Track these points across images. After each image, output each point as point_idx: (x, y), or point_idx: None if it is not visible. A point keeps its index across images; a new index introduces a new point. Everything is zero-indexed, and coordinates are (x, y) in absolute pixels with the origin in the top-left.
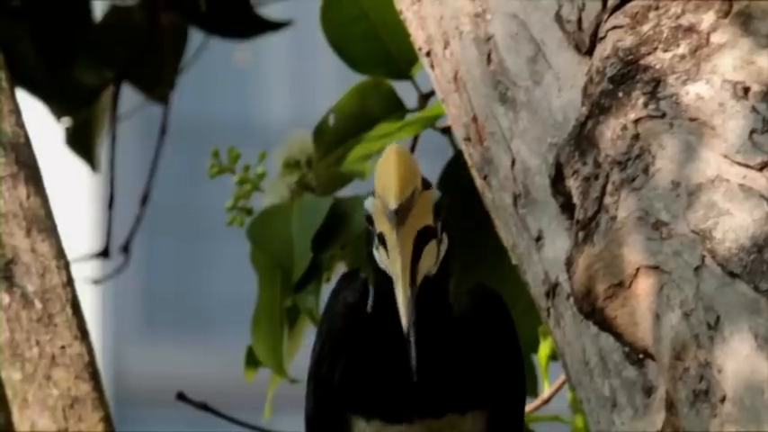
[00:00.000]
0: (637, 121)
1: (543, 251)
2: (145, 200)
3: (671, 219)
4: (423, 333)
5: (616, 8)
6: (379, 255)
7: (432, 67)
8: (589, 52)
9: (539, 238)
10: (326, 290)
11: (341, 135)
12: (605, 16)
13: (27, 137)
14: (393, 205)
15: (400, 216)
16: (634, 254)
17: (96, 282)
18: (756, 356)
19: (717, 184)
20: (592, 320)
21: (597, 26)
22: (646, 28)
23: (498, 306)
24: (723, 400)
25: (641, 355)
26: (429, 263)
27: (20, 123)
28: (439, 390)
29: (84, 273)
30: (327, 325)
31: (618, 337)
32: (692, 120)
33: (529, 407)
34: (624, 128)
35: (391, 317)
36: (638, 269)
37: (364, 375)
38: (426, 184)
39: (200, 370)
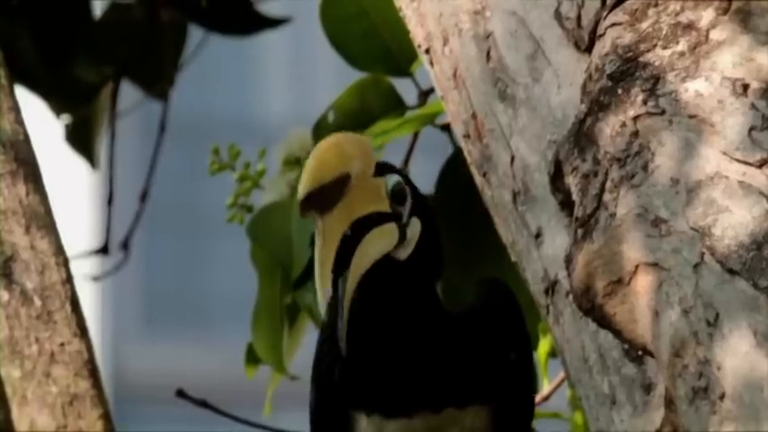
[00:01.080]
0: (636, 119)
1: (542, 248)
2: (144, 197)
3: (670, 216)
4: (390, 320)
5: (615, 5)
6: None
7: (431, 64)
8: (588, 49)
9: (538, 235)
10: None
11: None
12: (604, 13)
13: (26, 134)
14: (300, 194)
15: (310, 204)
16: (633, 251)
17: (96, 279)
18: (756, 353)
19: (716, 182)
20: (591, 317)
21: (596, 23)
22: (645, 25)
23: (507, 299)
24: (722, 397)
25: (640, 352)
26: (380, 247)
27: (19, 120)
28: (434, 383)
29: (83, 270)
30: (327, 324)
31: (617, 334)
32: (691, 117)
33: None
34: (623, 125)
35: (386, 312)
36: (637, 266)
37: (362, 373)
38: (382, 170)
39: (199, 367)
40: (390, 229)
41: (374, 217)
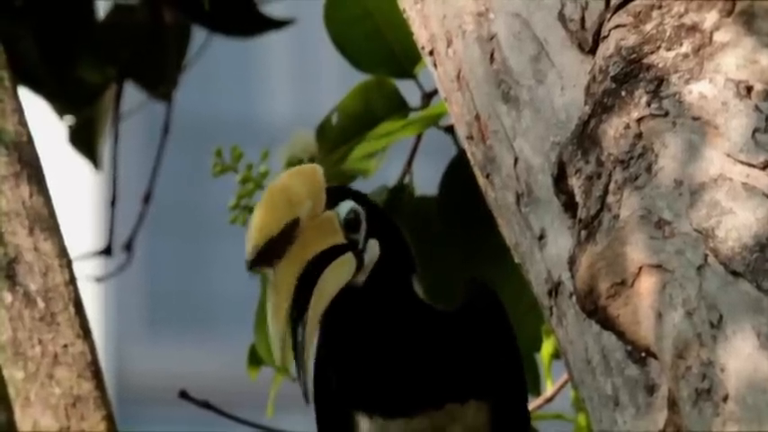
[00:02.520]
0: (640, 120)
1: (546, 250)
2: (147, 198)
3: (674, 217)
4: (371, 328)
5: (619, 7)
6: None
7: (435, 65)
8: (592, 51)
9: (541, 237)
10: None
11: (344, 134)
12: (608, 15)
13: (30, 135)
14: (248, 252)
15: (259, 260)
16: (637, 252)
17: (99, 280)
18: (759, 355)
19: (720, 183)
20: (594, 319)
21: (600, 25)
22: (649, 27)
23: (490, 298)
24: (725, 398)
25: (643, 354)
26: (337, 281)
27: (22, 122)
28: (430, 380)
29: (86, 271)
30: (323, 329)
31: (620, 335)
32: (694, 119)
33: (532, 405)
34: (627, 126)
35: (382, 315)
36: (640, 268)
37: (359, 376)
38: (334, 198)
39: (202, 368)
40: (347, 260)
41: (329, 252)
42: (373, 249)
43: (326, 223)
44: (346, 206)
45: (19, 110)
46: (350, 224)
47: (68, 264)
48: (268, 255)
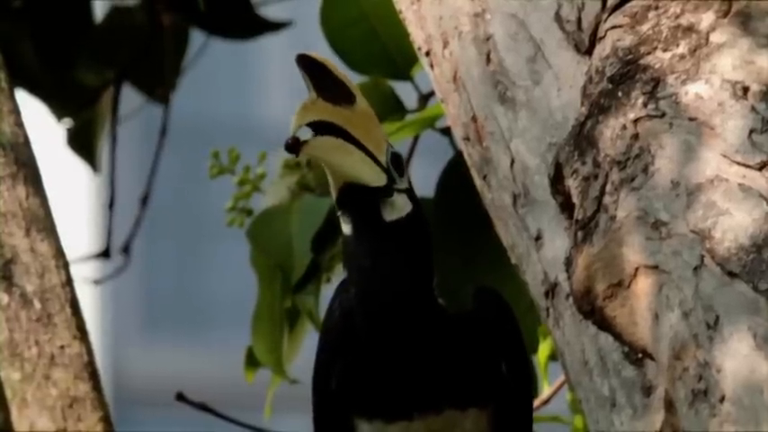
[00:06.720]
0: (636, 121)
1: (542, 251)
2: (145, 200)
3: (670, 218)
4: (387, 323)
5: (615, 8)
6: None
7: (431, 66)
8: (588, 52)
9: (538, 238)
10: (326, 291)
11: None
12: (605, 16)
13: (26, 137)
14: (307, 52)
15: (307, 64)
16: (633, 253)
17: (96, 282)
18: (755, 356)
19: (716, 184)
20: (591, 320)
21: (597, 26)
22: (645, 27)
23: (500, 306)
24: (722, 399)
25: (640, 355)
26: (358, 166)
27: (19, 123)
28: (433, 384)
29: (83, 273)
30: (324, 333)
31: (617, 336)
32: (691, 119)
33: None
34: (623, 127)
35: (382, 317)
36: (637, 269)
37: (362, 377)
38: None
39: (199, 370)
40: (377, 170)
41: (366, 150)
42: (406, 203)
43: (375, 135)
44: (399, 153)
45: (16, 111)
46: (395, 161)
47: (65, 265)
48: (317, 73)
